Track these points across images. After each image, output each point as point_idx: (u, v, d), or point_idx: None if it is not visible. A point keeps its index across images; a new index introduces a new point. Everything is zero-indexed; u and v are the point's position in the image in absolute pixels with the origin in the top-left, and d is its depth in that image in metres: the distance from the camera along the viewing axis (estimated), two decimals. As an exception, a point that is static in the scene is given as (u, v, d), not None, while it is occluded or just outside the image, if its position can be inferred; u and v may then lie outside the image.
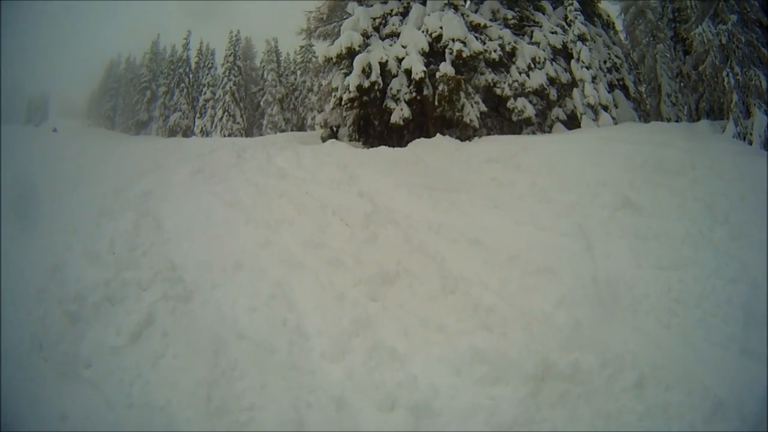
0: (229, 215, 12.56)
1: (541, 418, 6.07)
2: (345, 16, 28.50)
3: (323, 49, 28.51)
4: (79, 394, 6.30)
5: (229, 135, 59.27)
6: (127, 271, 9.27)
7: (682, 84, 31.53)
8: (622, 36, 36.20)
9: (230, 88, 63.94)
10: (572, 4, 26.38)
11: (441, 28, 24.27)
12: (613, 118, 24.43)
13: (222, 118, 62.71)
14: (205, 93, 68.17)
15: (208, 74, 71.95)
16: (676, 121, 31.19)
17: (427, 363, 6.96)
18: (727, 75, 19.25)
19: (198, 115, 68.01)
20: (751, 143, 18.32)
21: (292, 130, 57.33)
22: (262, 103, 64.11)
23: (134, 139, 52.07)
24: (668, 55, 33.43)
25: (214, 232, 11.58)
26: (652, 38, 35.68)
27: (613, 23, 32.85)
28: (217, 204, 13.53)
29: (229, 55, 66.08)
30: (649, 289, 8.79)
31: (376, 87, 24.66)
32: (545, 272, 9.30)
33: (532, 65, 25.86)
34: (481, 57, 24.67)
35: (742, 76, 19.04)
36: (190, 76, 73.44)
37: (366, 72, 24.62)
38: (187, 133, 66.49)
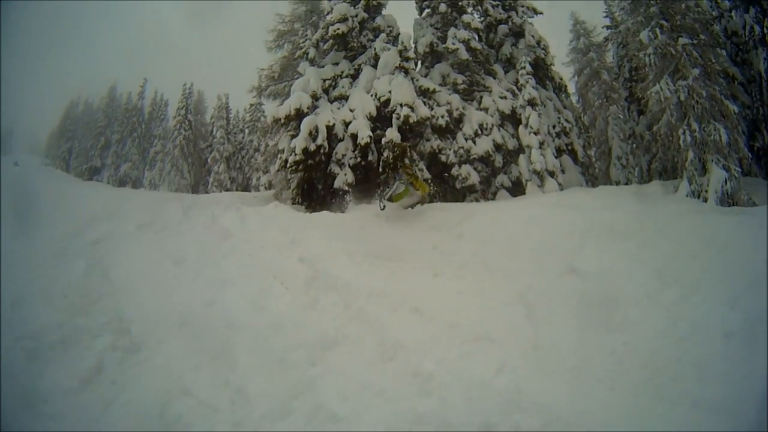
0: (176, 272, 12.68)
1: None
2: (296, 76, 28.72)
3: (272, 109, 28.64)
4: (39, 426, 6.74)
5: (176, 190, 58.45)
6: (80, 316, 9.66)
7: (634, 145, 31.77)
8: (574, 99, 36.55)
9: (180, 141, 62.74)
10: (524, 67, 26.56)
11: (390, 92, 24.27)
12: (560, 184, 24.60)
13: (170, 171, 61.73)
14: (155, 145, 68.04)
15: (159, 126, 71.95)
16: (626, 183, 32.11)
17: (368, 427, 6.94)
18: (683, 132, 19.40)
19: (148, 166, 67.70)
20: (706, 200, 18.54)
21: (237, 190, 56.82)
22: (209, 159, 62.93)
23: (87, 185, 51.43)
24: (621, 117, 34.03)
25: (161, 287, 11.70)
26: (605, 100, 36.39)
27: (566, 86, 32.85)
28: (165, 259, 13.64)
29: (181, 108, 64.65)
30: (593, 353, 8.94)
31: (321, 151, 24.67)
32: (485, 340, 9.38)
33: (479, 131, 26.30)
34: (428, 123, 24.98)
35: (700, 133, 19.15)
36: (143, 126, 73.14)
37: (313, 135, 24.56)
38: (137, 184, 66.21)
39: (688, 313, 10.04)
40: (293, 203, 26.79)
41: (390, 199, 17.93)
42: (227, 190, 56.89)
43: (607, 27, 34.28)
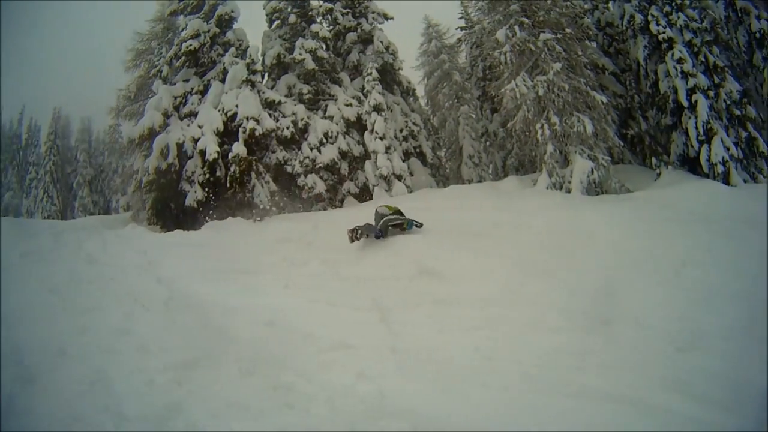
0: (52, 300, 12.12)
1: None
2: (151, 95, 28.61)
3: (128, 130, 28.03)
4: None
5: (48, 217, 57.41)
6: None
7: (487, 143, 32.56)
8: (423, 101, 37.21)
9: (50, 168, 61.62)
10: (371, 74, 26.74)
11: (237, 106, 24.46)
12: (408, 187, 24.87)
13: (42, 198, 60.62)
14: (30, 172, 66.09)
15: (33, 152, 69.55)
16: (479, 181, 32.33)
17: None
18: (542, 126, 19.55)
19: (25, 194, 65.59)
20: (569, 191, 18.76)
21: (99, 213, 56.44)
22: (74, 184, 62.06)
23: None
24: (473, 116, 34.61)
25: (42, 316, 11.13)
26: (456, 100, 36.78)
27: (414, 90, 33.44)
28: (42, 288, 13.01)
29: (51, 134, 63.61)
30: (455, 352, 8.97)
31: (172, 169, 24.91)
32: (342, 348, 9.38)
33: (324, 140, 26.37)
34: (273, 135, 25.16)
35: (561, 126, 19.35)
36: (20, 153, 70.99)
37: (164, 154, 24.81)
38: (17, 212, 63.47)
39: (557, 304, 10.47)
40: (149, 224, 26.76)
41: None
42: (91, 214, 56.52)
43: (462, 28, 34.43)
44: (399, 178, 24.75)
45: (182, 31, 28.83)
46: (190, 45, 27.39)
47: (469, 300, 11.05)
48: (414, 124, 30.17)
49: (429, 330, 9.92)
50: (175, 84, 27.72)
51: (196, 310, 11.22)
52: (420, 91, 36.67)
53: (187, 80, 28.04)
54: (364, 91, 27.25)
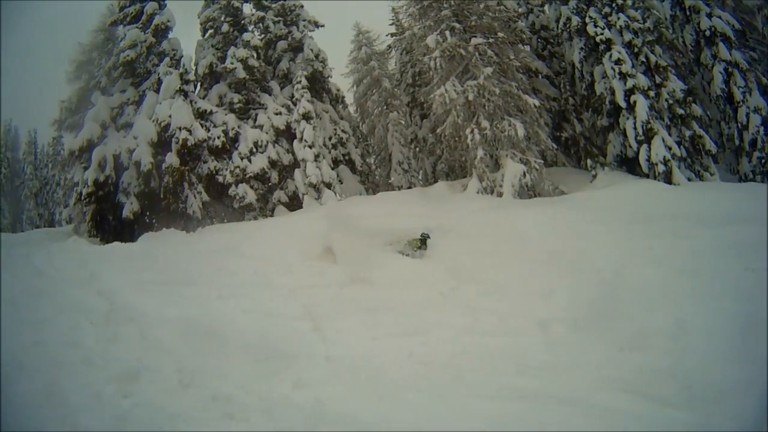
0: (8, 312, 11.79)
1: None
2: (91, 107, 27.97)
3: (69, 142, 27.96)
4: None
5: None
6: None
7: (417, 149, 32.59)
8: (352, 109, 37.08)
9: (0, 180, 60.63)
10: (300, 82, 26.66)
11: (170, 116, 24.33)
12: (337, 194, 25.01)
13: None
14: None
15: (-14, 166, 68.59)
16: (409, 187, 32.06)
17: None
18: (472, 131, 19.50)
19: (-22, 209, 64.67)
20: (501, 195, 18.81)
21: (45, 226, 55.59)
22: (22, 197, 61.67)
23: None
24: (402, 122, 34.40)
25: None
26: (385, 107, 36.41)
27: (343, 97, 33.33)
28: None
29: (1, 146, 63.01)
30: (390, 358, 9.12)
31: (109, 181, 24.71)
32: (278, 357, 9.44)
33: (254, 149, 26.39)
34: (204, 145, 25.04)
35: (491, 130, 19.41)
36: (-27, 168, 70.15)
37: (102, 165, 24.57)
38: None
39: (492, 307, 10.71)
40: (89, 236, 26.39)
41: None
42: (37, 227, 56.31)
43: (392, 34, 34.93)
44: (328, 186, 24.77)
45: (121, 41, 28.69)
46: (128, 55, 27.30)
47: (402, 306, 11.18)
48: (343, 131, 30.24)
49: (362, 337, 10.04)
50: (113, 95, 27.68)
51: (135, 322, 11.15)
52: (349, 99, 36.93)
53: (123, 91, 28.02)
54: (294, 99, 27.25)
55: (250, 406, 7.77)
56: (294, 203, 26.32)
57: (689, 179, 19.23)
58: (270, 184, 26.89)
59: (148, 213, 25.10)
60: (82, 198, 25.17)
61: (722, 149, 23.14)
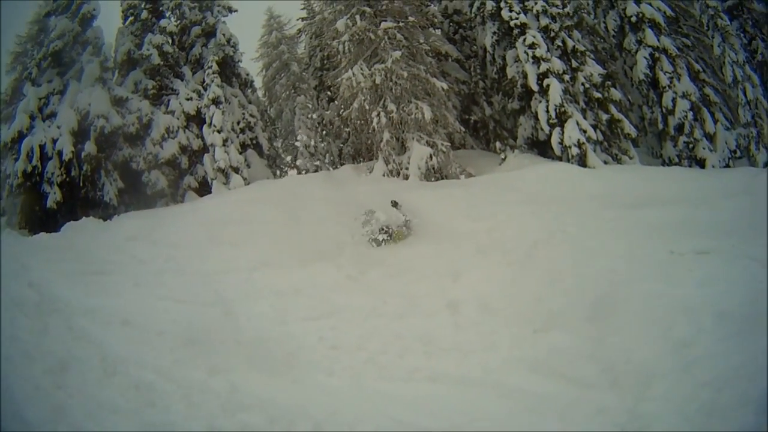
0: None
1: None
2: (22, 98, 27.70)
3: (3, 134, 27.36)
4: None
5: None
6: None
7: (324, 132, 32.35)
8: (260, 93, 37.09)
9: (-63, 175, 59.13)
10: (211, 67, 26.54)
11: (90, 104, 24.41)
12: (245, 179, 24.70)
13: None
14: None
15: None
16: (316, 171, 32.03)
17: None
18: (378, 114, 19.68)
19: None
20: (407, 178, 19.04)
21: None
22: None
23: None
24: (310, 106, 34.63)
25: None
26: (293, 91, 37.49)
27: (252, 81, 33.04)
28: None
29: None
30: (301, 342, 9.39)
31: (36, 171, 24.41)
32: (193, 343, 9.58)
33: (166, 135, 26.16)
34: (120, 132, 24.97)
35: (398, 113, 19.51)
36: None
37: (29, 156, 24.33)
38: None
39: (395, 290, 10.91)
40: (19, 228, 26.10)
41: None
42: None
43: (303, 19, 34.47)
44: (236, 170, 24.72)
45: (52, 31, 28.05)
46: (56, 45, 26.93)
47: (311, 289, 11.38)
48: (251, 115, 29.92)
49: (273, 321, 10.26)
50: (41, 85, 27.08)
51: (62, 313, 11.28)
52: (258, 83, 37.06)
53: (50, 81, 27.35)
54: (204, 84, 27.01)
55: (170, 393, 7.94)
56: (203, 188, 26.30)
57: (605, 162, 19.41)
58: (180, 169, 26.73)
59: (69, 202, 24.84)
60: (13, 190, 25.20)
61: (644, 133, 23.65)
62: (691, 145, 21.16)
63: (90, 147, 23.78)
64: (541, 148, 21.42)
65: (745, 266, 9.21)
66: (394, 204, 15.09)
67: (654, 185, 15.04)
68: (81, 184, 24.12)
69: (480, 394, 7.59)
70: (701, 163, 21.03)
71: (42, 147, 24.50)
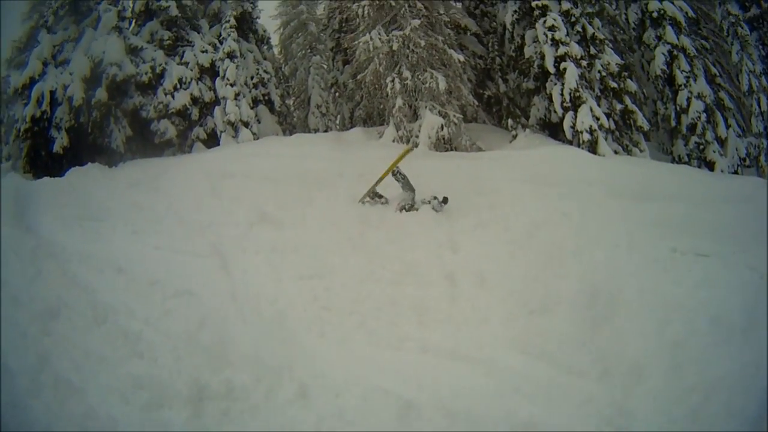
0: None
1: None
2: (37, 45, 27.49)
3: (14, 80, 27.43)
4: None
5: None
6: None
7: (336, 94, 32.47)
8: (276, 50, 37.24)
9: (-52, 120, 59.32)
10: (229, 21, 26.64)
11: (104, 52, 24.36)
12: (254, 134, 24.72)
13: None
14: None
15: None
16: (325, 131, 33.43)
17: (100, 393, 7.08)
18: (393, 80, 19.41)
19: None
20: (417, 146, 18.54)
21: None
22: None
23: None
24: (324, 66, 35.24)
25: None
26: (309, 50, 37.91)
27: (268, 38, 32.80)
28: None
29: (-48, 85, 61.15)
30: (294, 301, 9.32)
31: (44, 117, 24.52)
32: (185, 294, 9.57)
33: (178, 86, 25.92)
34: (132, 80, 24.90)
35: (413, 80, 19.36)
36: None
37: (39, 101, 24.43)
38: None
39: (396, 255, 10.81)
40: (24, 172, 25.99)
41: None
42: None
43: None
44: (246, 124, 24.77)
45: (73, -21, 28.67)
46: (74, -7, 27.11)
47: (308, 248, 11.25)
48: (265, 71, 29.44)
49: (268, 278, 10.19)
50: (56, 33, 27.14)
51: (56, 258, 11.35)
52: (275, 40, 37.60)
53: (66, 28, 27.42)
54: (221, 38, 27.09)
55: (157, 344, 7.99)
56: (212, 141, 26.25)
57: (616, 152, 19.28)
58: (190, 120, 26.54)
59: (76, 148, 24.84)
60: (20, 134, 25.21)
61: (655, 128, 23.69)
62: (701, 147, 21.14)
63: (101, 94, 23.68)
64: (552, 130, 21.36)
65: (743, 274, 9.17)
66: (396, 173, 14.35)
67: (662, 181, 14.86)
68: (89, 131, 24.12)
69: (469, 369, 7.62)
70: (710, 166, 21.01)
71: (53, 93, 24.54)
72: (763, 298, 8.16)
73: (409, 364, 7.66)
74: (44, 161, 25.23)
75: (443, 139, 19.10)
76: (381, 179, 13.85)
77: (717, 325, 7.83)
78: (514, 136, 20.42)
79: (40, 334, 8.38)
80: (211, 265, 10.85)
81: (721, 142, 21.40)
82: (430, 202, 13.25)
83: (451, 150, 19.31)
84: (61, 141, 24.23)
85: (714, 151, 21.00)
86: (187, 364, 7.55)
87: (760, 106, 21.70)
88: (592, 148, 18.76)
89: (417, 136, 19.23)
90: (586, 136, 18.83)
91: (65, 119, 24.49)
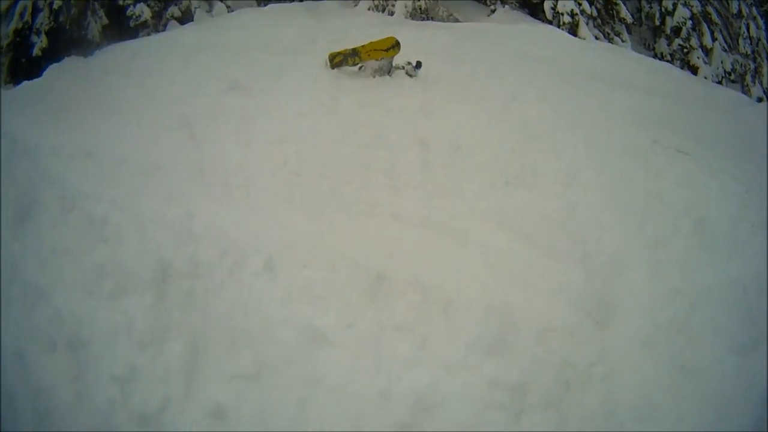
0: None
1: (174, 323, 6.49)
2: None
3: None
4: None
5: None
6: None
7: None
8: None
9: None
10: None
11: None
12: (228, 7, 23.28)
13: None
14: None
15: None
16: (300, 0, 31.23)
17: (65, 291, 6.98)
18: None
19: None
20: (392, 14, 18.78)
21: None
22: None
23: None
24: None
25: None
26: None
27: None
28: None
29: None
30: (262, 167, 9.14)
31: (26, 27, 23.13)
32: (153, 169, 9.32)
33: None
34: None
35: None
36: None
37: (21, 14, 23.00)
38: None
39: (374, 121, 10.53)
40: (5, 84, 23.61)
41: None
42: None
43: None
44: (221, -2, 24.60)
45: None
46: None
47: (279, 114, 10.97)
48: None
49: (237, 145, 10.00)
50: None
51: (28, 156, 10.81)
52: None
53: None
54: None
55: (123, 225, 7.76)
56: (186, 17, 24.08)
57: (597, 38, 19.00)
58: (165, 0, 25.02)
59: (54, 47, 22.51)
60: (2, 50, 23.29)
61: (638, 24, 23.24)
62: (685, 50, 20.98)
63: (79, -12, 23.59)
64: (532, 9, 20.55)
65: (727, 183, 8.86)
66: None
67: (644, 73, 14.50)
68: (67, 27, 22.47)
69: (441, 241, 7.58)
70: (694, 71, 20.61)
71: (35, 2, 22.89)
72: (747, 212, 8.05)
73: (380, 232, 7.62)
74: (24, 67, 24.36)
75: (419, 9, 18.81)
76: (359, 56, 13.32)
77: (701, 229, 7.73)
78: (493, 11, 19.86)
79: (10, 241, 8.16)
80: (180, 137, 10.61)
81: (707, 52, 21.15)
82: (404, 68, 13.02)
83: (428, 20, 18.88)
84: (40, 44, 22.71)
85: (698, 57, 20.82)
86: (151, 243, 7.38)
87: (749, 30, 21.64)
88: (573, 30, 18.50)
89: (393, 5, 18.87)
90: (566, 18, 18.58)
91: (45, 23, 22.90)
